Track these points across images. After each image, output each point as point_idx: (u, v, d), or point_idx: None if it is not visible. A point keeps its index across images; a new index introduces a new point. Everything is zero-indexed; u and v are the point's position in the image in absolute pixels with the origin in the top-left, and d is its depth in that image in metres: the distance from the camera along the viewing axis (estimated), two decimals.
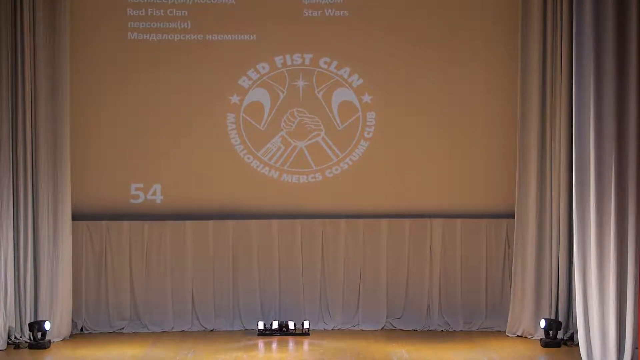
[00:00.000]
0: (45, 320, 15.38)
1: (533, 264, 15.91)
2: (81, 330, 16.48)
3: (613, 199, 13.25)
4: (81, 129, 16.52)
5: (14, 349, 15.18)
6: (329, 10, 16.81)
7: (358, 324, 16.76)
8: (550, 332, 15.34)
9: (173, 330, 16.58)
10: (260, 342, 15.77)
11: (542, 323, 15.46)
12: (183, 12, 16.74)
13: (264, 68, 16.85)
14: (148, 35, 16.75)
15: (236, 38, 16.79)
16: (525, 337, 15.94)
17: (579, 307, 13.61)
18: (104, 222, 16.65)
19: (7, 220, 15.29)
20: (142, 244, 16.72)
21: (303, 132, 16.94)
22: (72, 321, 16.21)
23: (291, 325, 16.20)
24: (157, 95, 16.72)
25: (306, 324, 16.23)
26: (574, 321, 15.13)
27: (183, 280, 16.72)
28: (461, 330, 16.57)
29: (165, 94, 16.72)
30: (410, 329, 16.59)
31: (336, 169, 16.94)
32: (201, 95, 16.75)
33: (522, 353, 14.85)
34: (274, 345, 15.58)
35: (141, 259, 16.69)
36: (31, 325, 15.31)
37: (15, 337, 15.43)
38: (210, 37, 16.78)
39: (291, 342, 15.83)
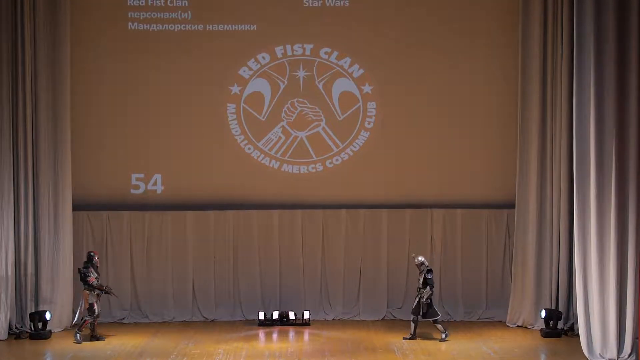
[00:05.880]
0: (46, 311, 15.40)
1: (533, 254, 15.93)
2: (82, 320, 16.48)
3: (613, 190, 13.24)
4: (82, 119, 16.51)
5: (15, 339, 15.19)
6: (330, 1, 16.78)
7: (358, 314, 16.78)
8: (551, 322, 15.36)
9: (174, 320, 16.60)
10: (261, 332, 15.78)
11: (543, 313, 15.49)
12: (184, 2, 16.71)
13: (264, 58, 16.83)
14: (148, 25, 16.73)
15: (237, 28, 16.77)
16: (526, 328, 15.95)
17: (580, 297, 13.62)
18: (104, 213, 16.65)
19: (7, 211, 15.30)
20: (142, 235, 16.73)
21: (303, 122, 16.93)
22: (73, 311, 16.22)
23: (292, 315, 16.21)
24: (157, 85, 16.71)
25: (307, 314, 16.25)
26: (574, 311, 15.14)
27: (184, 271, 16.74)
28: (461, 320, 16.59)
29: (166, 85, 16.71)
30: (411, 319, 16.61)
31: (337, 159, 16.94)
32: (202, 86, 16.74)
33: (522, 343, 14.87)
34: (275, 335, 15.60)
35: (142, 250, 16.71)
36: (32, 316, 15.34)
37: (16, 327, 15.45)
38: (210, 27, 16.76)
39: (292, 332, 15.84)
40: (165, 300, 16.69)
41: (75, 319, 15.11)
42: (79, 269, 15.08)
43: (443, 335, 14.94)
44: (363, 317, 16.69)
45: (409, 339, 14.95)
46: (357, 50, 16.82)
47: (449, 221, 16.83)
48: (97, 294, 14.97)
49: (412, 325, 15.02)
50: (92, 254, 15.16)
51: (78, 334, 14.87)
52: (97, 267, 15.13)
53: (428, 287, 14.92)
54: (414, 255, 15.46)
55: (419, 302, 14.96)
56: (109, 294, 15.16)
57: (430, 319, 14.99)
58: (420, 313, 14.94)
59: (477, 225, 16.83)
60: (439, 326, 15.01)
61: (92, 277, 14.93)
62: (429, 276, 14.96)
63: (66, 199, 15.91)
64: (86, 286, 14.94)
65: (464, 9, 16.72)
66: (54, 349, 14.61)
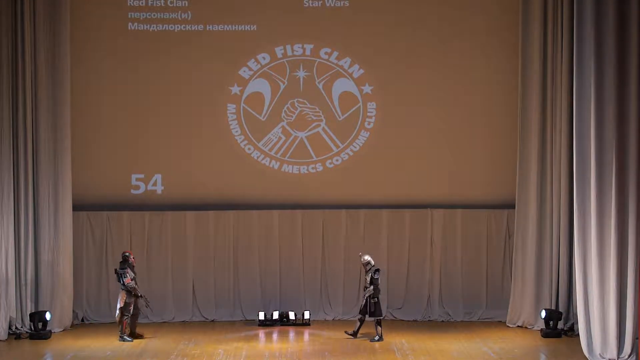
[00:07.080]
0: (46, 311, 15.40)
1: (533, 254, 15.93)
2: (82, 320, 16.51)
3: (614, 190, 13.22)
4: (82, 119, 16.52)
5: (15, 339, 15.19)
6: (330, 1, 16.78)
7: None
8: (551, 322, 15.36)
9: (174, 320, 16.60)
10: (261, 332, 15.78)
11: (543, 313, 15.48)
12: (184, 2, 16.72)
13: (264, 58, 16.83)
14: (148, 25, 16.73)
15: (237, 28, 16.78)
16: (526, 328, 15.96)
17: (580, 297, 13.61)
18: (104, 213, 16.66)
19: (7, 211, 15.30)
20: (142, 235, 16.73)
21: (303, 122, 16.93)
22: (73, 311, 16.24)
23: (292, 315, 16.22)
24: (158, 86, 16.72)
25: (307, 315, 16.25)
26: (574, 312, 15.14)
27: (184, 271, 16.75)
28: (462, 321, 16.59)
29: (166, 85, 16.71)
30: (411, 320, 16.61)
31: (337, 160, 16.94)
32: (202, 86, 16.75)
33: (522, 343, 14.86)
34: (275, 336, 15.59)
35: (142, 250, 16.70)
36: (32, 316, 15.33)
37: (16, 328, 15.44)
38: (210, 27, 16.77)
39: (292, 332, 15.84)
40: (165, 300, 16.69)
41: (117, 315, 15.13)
42: (115, 270, 15.13)
43: (376, 338, 14.88)
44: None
45: (351, 334, 14.94)
46: (357, 50, 16.82)
47: (449, 221, 16.83)
48: (134, 295, 14.97)
49: (358, 323, 15.00)
50: (127, 254, 15.16)
51: (123, 336, 14.94)
52: (133, 266, 15.13)
53: (372, 287, 14.87)
54: (360, 253, 15.42)
55: (367, 301, 14.88)
56: (143, 300, 15.17)
57: (374, 318, 14.92)
58: (368, 312, 14.88)
59: (477, 225, 16.84)
60: (379, 328, 14.94)
61: (129, 278, 14.95)
62: (375, 276, 14.91)
63: (66, 199, 15.91)
64: (123, 287, 14.94)
65: (464, 9, 16.73)
66: (54, 349, 14.60)
